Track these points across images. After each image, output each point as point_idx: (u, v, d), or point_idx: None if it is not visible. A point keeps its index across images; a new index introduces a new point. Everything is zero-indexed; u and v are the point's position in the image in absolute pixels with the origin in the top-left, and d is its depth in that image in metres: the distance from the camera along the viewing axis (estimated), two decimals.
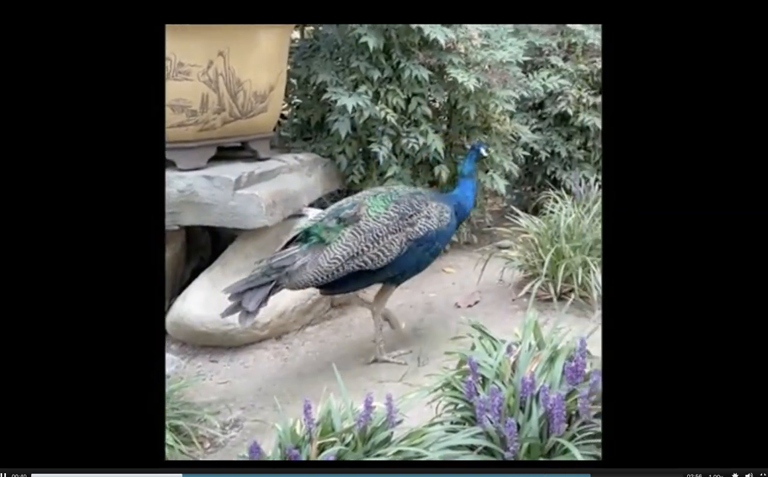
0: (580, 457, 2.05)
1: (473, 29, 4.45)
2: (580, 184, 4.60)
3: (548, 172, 5.05)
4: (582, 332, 2.46)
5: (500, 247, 4.21)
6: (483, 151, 3.78)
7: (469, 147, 4.02)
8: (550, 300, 3.69)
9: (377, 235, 3.24)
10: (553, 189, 4.53)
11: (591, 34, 4.83)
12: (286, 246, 3.35)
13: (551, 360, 2.36)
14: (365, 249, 3.22)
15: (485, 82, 4.42)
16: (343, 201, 3.50)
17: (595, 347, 2.31)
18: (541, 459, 2.15)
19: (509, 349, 2.44)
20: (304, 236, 3.33)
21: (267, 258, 3.34)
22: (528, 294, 3.64)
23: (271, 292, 3.20)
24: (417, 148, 4.36)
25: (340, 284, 3.31)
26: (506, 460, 2.13)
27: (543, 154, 4.98)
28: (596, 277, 3.64)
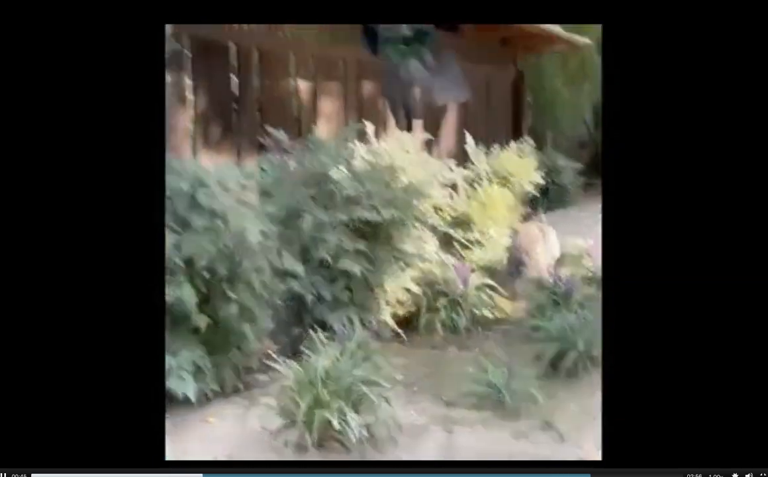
0: None
1: None
2: (344, 325, 4.42)
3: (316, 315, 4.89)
4: None
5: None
6: None
7: None
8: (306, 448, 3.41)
9: None
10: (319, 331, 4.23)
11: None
12: None
13: None
14: None
15: None
16: None
17: None
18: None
19: None
20: None
21: None
22: (286, 443, 3.39)
23: None
24: None
25: None
26: (506, 460, 2.13)
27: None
28: (352, 422, 3.41)
